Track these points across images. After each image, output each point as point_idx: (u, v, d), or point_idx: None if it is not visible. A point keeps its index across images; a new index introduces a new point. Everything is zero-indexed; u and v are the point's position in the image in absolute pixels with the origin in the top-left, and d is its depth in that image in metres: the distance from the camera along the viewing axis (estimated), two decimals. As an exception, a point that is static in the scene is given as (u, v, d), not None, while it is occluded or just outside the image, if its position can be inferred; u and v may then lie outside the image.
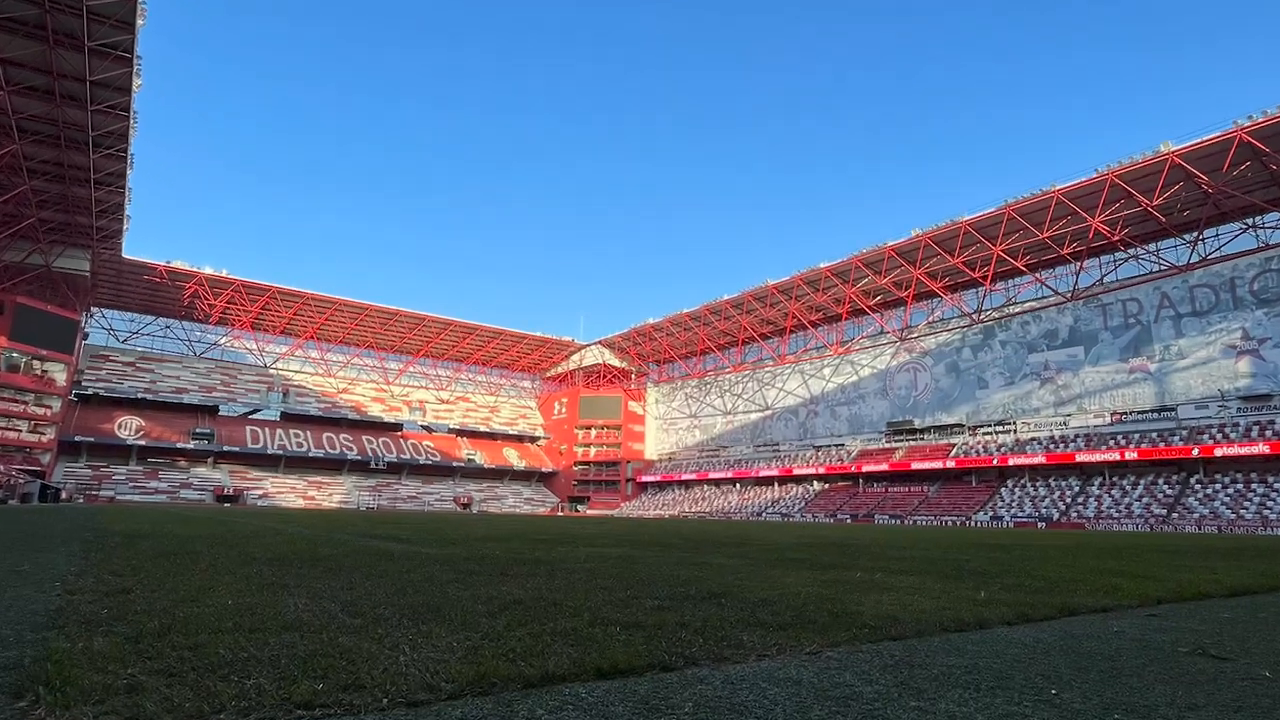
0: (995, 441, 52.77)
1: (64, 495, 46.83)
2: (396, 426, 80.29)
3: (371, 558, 7.56)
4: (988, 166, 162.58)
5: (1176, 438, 43.34)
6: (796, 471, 64.33)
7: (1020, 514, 45.72)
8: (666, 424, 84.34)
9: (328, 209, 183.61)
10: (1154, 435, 44.67)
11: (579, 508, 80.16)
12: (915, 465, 54.90)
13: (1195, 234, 44.57)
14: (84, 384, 63.28)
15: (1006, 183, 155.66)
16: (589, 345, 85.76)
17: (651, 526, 24.63)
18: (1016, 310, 53.54)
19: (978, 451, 52.81)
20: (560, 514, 72.69)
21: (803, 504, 60.97)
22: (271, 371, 76.60)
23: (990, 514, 47.21)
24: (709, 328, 70.56)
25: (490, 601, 4.50)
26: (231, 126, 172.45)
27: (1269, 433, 40.15)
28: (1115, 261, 48.53)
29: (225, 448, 65.95)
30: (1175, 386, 44.86)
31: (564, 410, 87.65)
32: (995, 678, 2.98)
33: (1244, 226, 43.34)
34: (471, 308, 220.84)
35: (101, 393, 64.11)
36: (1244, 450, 39.90)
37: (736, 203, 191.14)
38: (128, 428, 63.17)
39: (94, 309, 66.35)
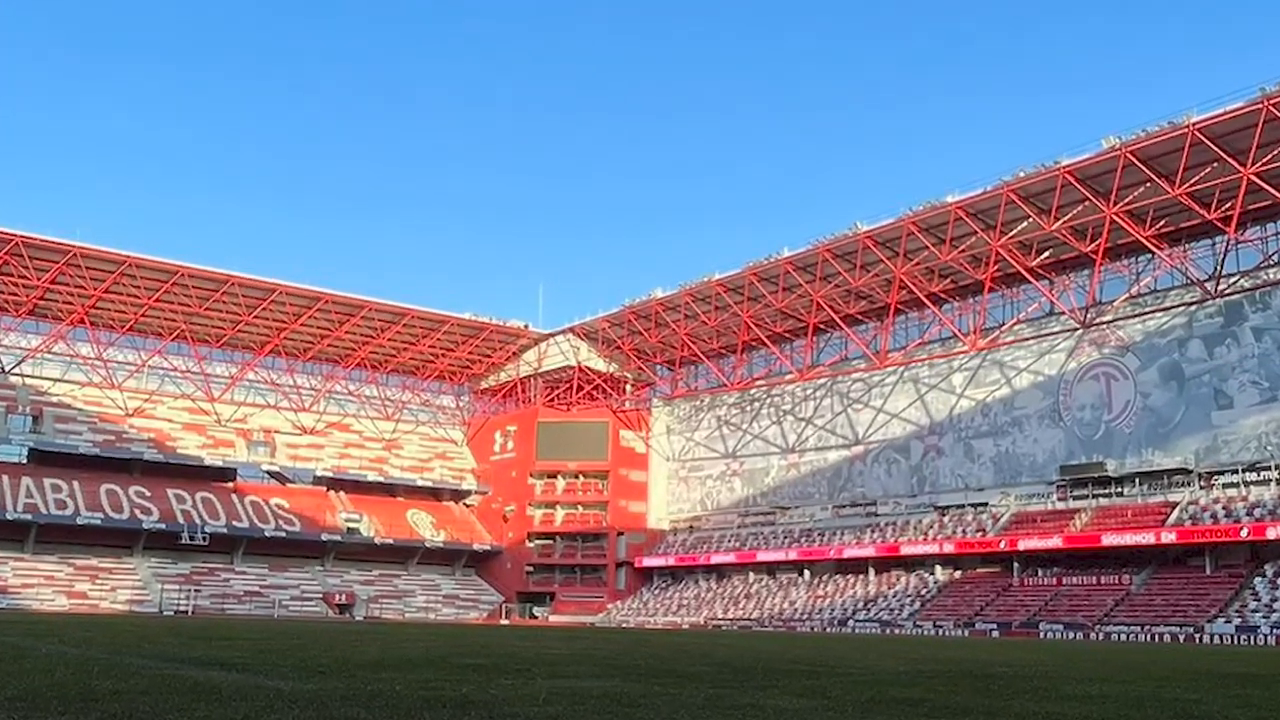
0: (1244, 499, 52.63)
1: None
2: (227, 474, 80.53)
3: (184, 697, 7.61)
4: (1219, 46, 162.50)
5: None
6: (906, 550, 65.16)
7: (1289, 623, 45.74)
8: (685, 468, 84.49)
9: (110, 101, 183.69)
10: None
11: (537, 611, 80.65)
12: (1108, 540, 55.13)
13: None
14: None
15: (1267, 58, 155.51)
16: (554, 335, 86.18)
17: (660, 642, 24.77)
18: (1281, 276, 54.04)
19: (1215, 516, 52.70)
20: (506, 621, 73.00)
21: (917, 604, 61.41)
22: (13, 380, 76.41)
23: (1236, 622, 47.17)
24: (758, 305, 70.42)
25: (386, 772, 4.54)
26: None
27: None
28: None
29: (-66, 510, 66.19)
30: None
31: (511, 446, 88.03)
32: None
33: None
34: (355, 272, 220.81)
35: None
36: None
37: (803, 91, 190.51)
38: None
39: None
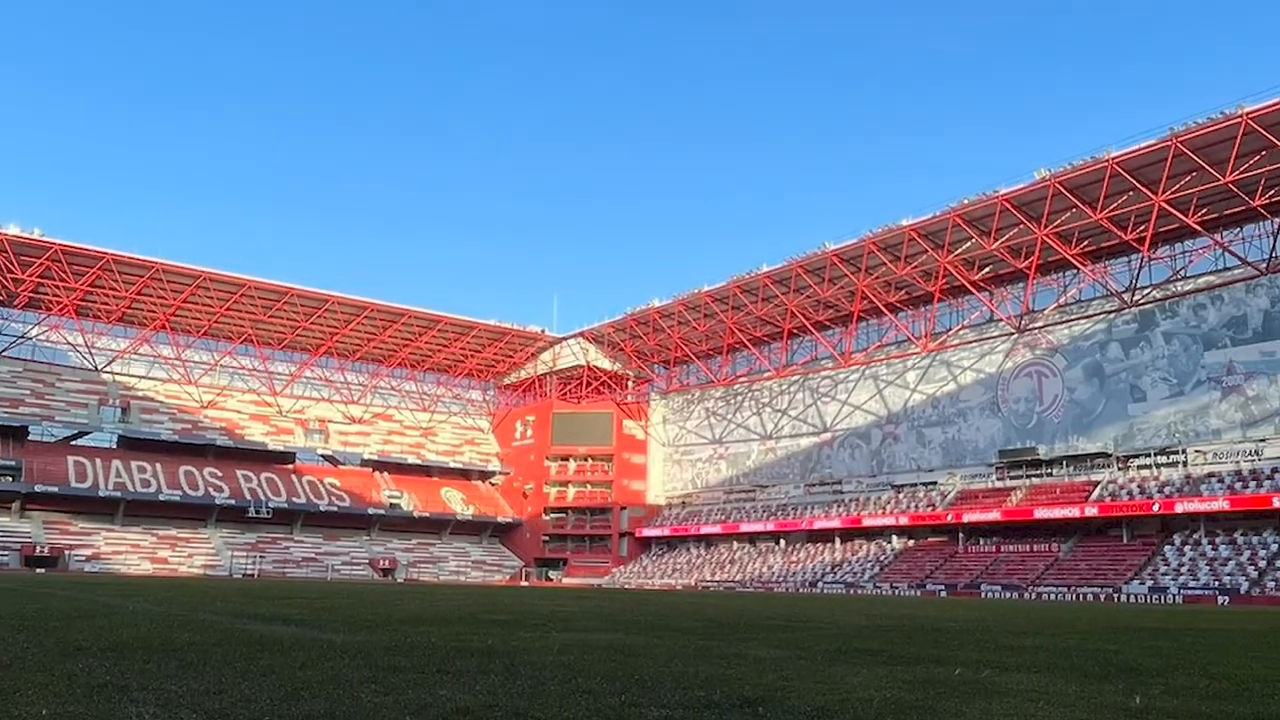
0: (1156, 478, 53.20)
1: None
2: (287, 457, 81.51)
3: (250, 647, 7.71)
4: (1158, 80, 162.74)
5: None
6: (867, 522, 65.47)
7: (1192, 584, 46.18)
8: (679, 452, 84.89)
9: (180, 134, 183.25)
10: (1388, 469, 44.78)
11: (552, 574, 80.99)
12: (1040, 513, 55.70)
13: None
14: None
15: (1175, 102, 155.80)
16: (566, 339, 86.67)
17: (657, 601, 24.90)
18: (1187, 288, 53.76)
19: (1130, 493, 53.19)
20: (525, 583, 73.25)
21: (876, 569, 61.75)
22: (105, 377, 76.72)
23: (1149, 583, 47.73)
24: (740, 313, 70.71)
25: (423, 711, 4.56)
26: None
27: None
28: (1333, 217, 48.59)
29: (37, 487, 66.24)
30: None
31: (530, 433, 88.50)
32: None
33: None
34: (396, 284, 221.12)
35: None
36: None
37: (780, 128, 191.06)
38: (-107, 458, 63.50)
39: None
